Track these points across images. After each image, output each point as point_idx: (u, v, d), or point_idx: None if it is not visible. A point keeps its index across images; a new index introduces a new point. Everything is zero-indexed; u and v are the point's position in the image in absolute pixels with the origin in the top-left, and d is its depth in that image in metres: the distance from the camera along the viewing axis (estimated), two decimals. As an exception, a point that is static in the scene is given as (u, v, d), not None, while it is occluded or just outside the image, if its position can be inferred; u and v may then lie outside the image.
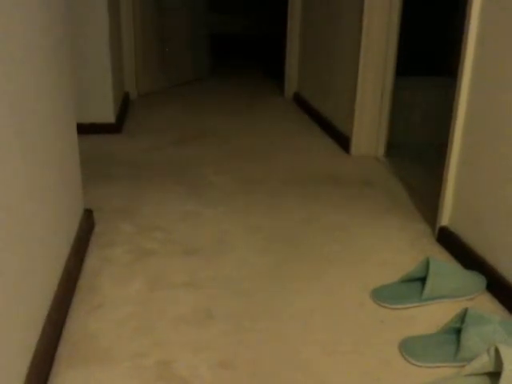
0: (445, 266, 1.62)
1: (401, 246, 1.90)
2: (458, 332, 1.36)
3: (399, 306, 1.55)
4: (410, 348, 1.37)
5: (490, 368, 1.20)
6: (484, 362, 1.21)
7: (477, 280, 1.63)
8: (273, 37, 4.97)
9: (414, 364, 1.33)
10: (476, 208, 1.75)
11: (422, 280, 1.60)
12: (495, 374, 1.19)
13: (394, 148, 2.87)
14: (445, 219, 1.91)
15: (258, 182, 2.46)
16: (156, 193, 2.31)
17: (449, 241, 1.87)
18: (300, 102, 3.85)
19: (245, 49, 6.08)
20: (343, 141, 2.94)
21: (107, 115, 3.10)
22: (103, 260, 1.76)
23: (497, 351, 1.19)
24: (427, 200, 2.23)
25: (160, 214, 2.10)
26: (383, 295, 1.59)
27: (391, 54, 2.68)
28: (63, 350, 1.34)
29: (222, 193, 2.33)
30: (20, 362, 1.12)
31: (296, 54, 3.97)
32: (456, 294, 1.58)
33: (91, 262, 1.75)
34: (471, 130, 1.77)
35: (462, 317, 1.37)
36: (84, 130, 2.95)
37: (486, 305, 1.58)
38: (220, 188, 2.38)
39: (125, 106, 3.57)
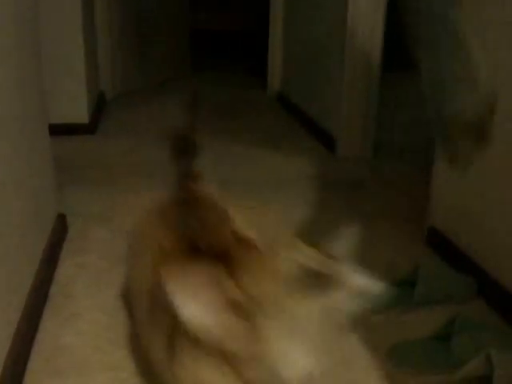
0: (435, 269, 1.57)
1: (388, 249, 1.84)
2: (449, 338, 1.31)
3: (389, 311, 1.49)
4: (399, 354, 1.32)
5: (481, 372, 1.16)
6: (475, 366, 1.16)
7: (467, 284, 1.57)
8: (256, 33, 4.89)
9: (403, 370, 1.28)
10: (466, 209, 1.70)
11: (412, 284, 1.54)
12: (486, 379, 1.14)
13: (382, 148, 2.82)
14: (434, 221, 1.86)
15: (239, 185, 2.39)
16: (132, 196, 2.22)
17: (438, 243, 1.82)
18: (284, 101, 3.78)
19: (227, 46, 5.99)
20: (329, 141, 2.88)
21: (81, 115, 2.99)
22: (77, 267, 1.68)
23: (488, 356, 1.14)
24: (416, 201, 2.17)
25: (135, 219, 2.01)
26: (372, 300, 1.53)
27: (377, 50, 2.63)
28: (34, 365, 1.26)
29: (204, 195, 2.25)
30: (-18, 379, 1.04)
31: (279, 52, 3.89)
32: (447, 299, 1.53)
33: (64, 269, 1.66)
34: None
35: (452, 322, 1.32)
36: (56, 131, 2.83)
37: (477, 309, 1.52)
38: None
39: (100, 106, 3.45)
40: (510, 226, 1.48)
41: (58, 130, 2.82)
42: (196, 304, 0.73)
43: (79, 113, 2.98)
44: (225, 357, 0.76)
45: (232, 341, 0.75)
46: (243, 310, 0.76)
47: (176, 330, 0.80)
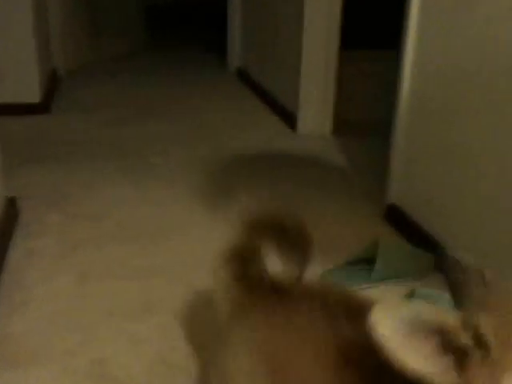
0: (393, 246, 1.58)
1: (348, 226, 1.84)
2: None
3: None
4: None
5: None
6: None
7: (425, 259, 1.58)
8: (216, 6, 4.77)
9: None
10: (423, 185, 1.71)
11: (371, 261, 1.54)
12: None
13: (343, 125, 2.80)
14: (393, 197, 1.86)
15: (199, 163, 2.34)
16: (87, 177, 2.15)
17: (397, 219, 1.83)
18: (244, 77, 3.72)
19: (185, 19, 5.83)
20: (289, 118, 2.85)
21: (32, 94, 2.86)
22: (29, 252, 1.62)
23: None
24: (375, 178, 2.17)
25: (91, 201, 1.96)
26: (331, 278, 1.53)
27: (335, 26, 2.60)
28: (-18, 355, 1.21)
29: (161, 175, 2.20)
30: None
31: (239, 27, 3.81)
32: (405, 274, 1.54)
33: (15, 254, 1.60)
34: (416, 107, 1.72)
35: (411, 297, 1.33)
36: (6, 110, 2.73)
37: (435, 283, 1.54)
38: (158, 171, 2.25)
39: (53, 84, 3.30)
40: (468, 204, 1.49)
41: (9, 110, 2.71)
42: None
43: (31, 92, 2.85)
44: None
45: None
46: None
47: None
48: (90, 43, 3.94)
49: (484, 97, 1.40)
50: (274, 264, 0.94)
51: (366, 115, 2.96)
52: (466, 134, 1.49)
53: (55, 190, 2.04)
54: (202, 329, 1.33)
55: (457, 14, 1.50)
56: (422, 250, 1.62)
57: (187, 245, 1.69)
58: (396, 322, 0.64)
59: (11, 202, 1.77)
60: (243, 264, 0.93)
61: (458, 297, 0.79)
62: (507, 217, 1.34)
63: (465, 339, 0.62)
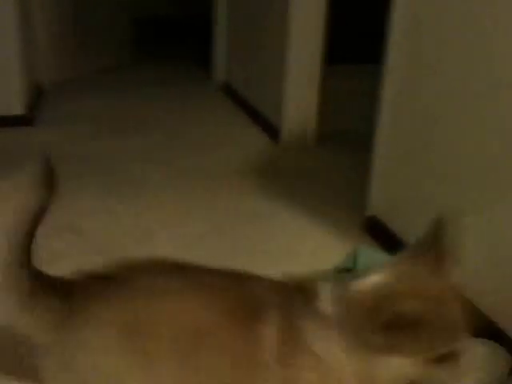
0: (373, 256, 1.59)
1: (328, 237, 1.86)
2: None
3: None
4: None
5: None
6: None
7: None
8: (201, 22, 4.81)
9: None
10: (402, 198, 1.74)
11: (350, 271, 1.56)
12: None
13: (326, 137, 2.84)
14: (372, 209, 1.89)
15: (183, 176, 2.35)
16: (69, 189, 2.14)
17: (376, 230, 1.86)
18: (229, 90, 3.76)
19: (171, 33, 5.86)
20: (272, 130, 2.88)
21: (15, 106, 2.85)
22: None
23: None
24: (356, 190, 2.20)
25: (72, 212, 1.96)
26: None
27: (319, 40, 2.64)
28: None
29: (142, 188, 2.20)
30: None
31: (224, 41, 3.85)
32: (384, 284, 1.55)
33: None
34: (398, 121, 1.75)
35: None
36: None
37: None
38: (139, 183, 2.25)
39: (37, 96, 3.31)
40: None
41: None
42: None
43: (14, 104, 2.84)
44: None
45: None
46: None
47: None
48: (76, 56, 3.94)
49: (464, 111, 1.44)
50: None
51: (349, 128, 3.00)
52: (444, 148, 1.52)
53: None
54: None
55: (439, 28, 1.54)
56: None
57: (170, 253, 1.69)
58: None
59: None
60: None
61: None
62: (487, 228, 1.36)
63: None
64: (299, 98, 2.73)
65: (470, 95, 1.40)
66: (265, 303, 0.87)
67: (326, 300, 0.85)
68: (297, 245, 1.80)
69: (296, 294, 0.88)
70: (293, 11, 2.58)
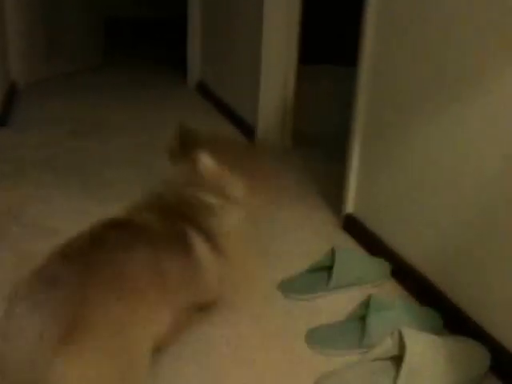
0: (350, 254, 1.60)
1: (306, 236, 1.87)
2: (363, 319, 1.34)
3: (307, 297, 1.51)
4: (316, 337, 1.35)
5: (394, 352, 1.20)
6: (388, 346, 1.20)
7: (382, 266, 1.62)
8: (175, 21, 4.78)
9: (319, 353, 1.31)
10: (378, 196, 1.75)
11: (329, 269, 1.57)
12: (399, 358, 1.18)
13: (303, 138, 2.84)
14: (349, 207, 1.90)
15: (158, 176, 2.33)
16: (45, 191, 2.12)
17: (354, 228, 1.87)
18: (204, 91, 3.74)
19: (145, 33, 5.82)
20: (248, 131, 2.88)
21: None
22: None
23: (400, 335, 1.18)
24: (333, 189, 2.21)
25: (48, 214, 1.93)
26: (291, 286, 1.55)
27: (293, 40, 2.65)
28: None
29: (117, 190, 2.17)
30: None
31: (198, 40, 3.83)
32: (362, 282, 1.57)
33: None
34: (372, 120, 1.77)
35: (366, 304, 1.36)
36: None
37: (391, 291, 1.58)
38: (114, 185, 2.22)
39: (10, 97, 3.25)
40: (422, 213, 1.54)
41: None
42: None
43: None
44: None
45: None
46: None
47: None
48: (49, 57, 3.89)
49: (439, 111, 1.46)
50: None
51: (324, 128, 3.02)
52: (419, 145, 1.54)
53: (11, 203, 2.00)
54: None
55: (411, 29, 1.56)
56: (378, 257, 1.66)
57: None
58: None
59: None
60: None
61: None
62: (463, 226, 1.38)
63: None
64: (275, 97, 2.73)
65: (445, 94, 1.42)
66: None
67: None
68: (274, 244, 1.80)
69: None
70: (267, 11, 2.59)
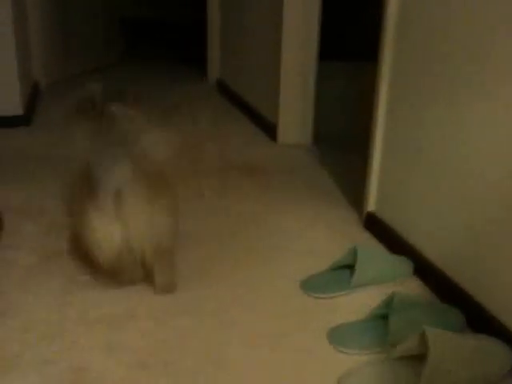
0: (372, 252, 1.59)
1: (328, 234, 1.86)
2: (386, 317, 1.34)
3: (329, 295, 1.51)
4: (338, 336, 1.34)
5: (417, 351, 1.19)
6: (411, 345, 1.19)
7: (404, 264, 1.61)
8: (194, 23, 4.81)
9: (341, 351, 1.30)
10: (401, 194, 1.74)
11: (351, 267, 1.56)
12: (422, 357, 1.17)
13: (322, 136, 2.84)
14: (371, 205, 1.89)
15: (179, 173, 2.35)
16: (67, 189, 2.14)
17: (376, 227, 1.86)
18: (223, 89, 3.75)
19: (165, 32, 5.85)
20: (270, 129, 2.88)
21: (14, 106, 2.85)
22: (4, 263, 1.61)
23: (423, 333, 1.17)
24: (355, 187, 2.21)
25: (70, 212, 1.95)
26: (312, 285, 1.54)
27: (313, 38, 2.64)
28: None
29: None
30: None
31: (217, 40, 3.85)
32: (384, 280, 1.56)
33: (-3, 265, 1.59)
34: (393, 119, 1.75)
35: (389, 302, 1.35)
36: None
37: (414, 289, 1.56)
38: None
39: (34, 96, 3.31)
40: (443, 211, 1.52)
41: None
42: None
43: (13, 104, 2.84)
44: None
45: None
46: None
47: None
48: (67, 57, 3.94)
49: (456, 110, 1.44)
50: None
51: (345, 127, 3.01)
52: (441, 144, 1.52)
53: (33, 201, 2.03)
54: (181, 333, 1.33)
55: (433, 27, 1.54)
56: (400, 255, 1.65)
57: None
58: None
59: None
60: None
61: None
62: (488, 223, 1.36)
63: None
64: (295, 95, 2.73)
65: (463, 94, 1.40)
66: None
67: None
68: (296, 243, 1.80)
69: None
70: (287, 8, 2.58)
